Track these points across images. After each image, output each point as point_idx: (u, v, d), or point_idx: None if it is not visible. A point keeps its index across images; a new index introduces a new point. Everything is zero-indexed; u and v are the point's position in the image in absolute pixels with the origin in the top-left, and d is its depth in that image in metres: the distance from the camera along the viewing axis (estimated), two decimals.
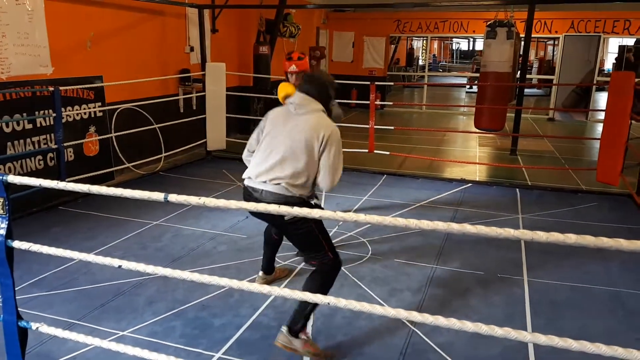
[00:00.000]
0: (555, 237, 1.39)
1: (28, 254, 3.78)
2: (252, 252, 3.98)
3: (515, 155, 7.78)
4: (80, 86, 5.29)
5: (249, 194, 2.73)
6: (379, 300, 3.28)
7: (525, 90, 17.49)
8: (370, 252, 4.00)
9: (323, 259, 2.70)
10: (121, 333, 2.83)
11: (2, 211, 1.57)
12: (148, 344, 2.74)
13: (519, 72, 7.66)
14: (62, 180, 4.74)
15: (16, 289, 3.22)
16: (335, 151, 2.66)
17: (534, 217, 4.95)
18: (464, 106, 13.98)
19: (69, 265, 3.66)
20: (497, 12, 6.85)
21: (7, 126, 4.54)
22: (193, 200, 1.79)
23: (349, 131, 9.14)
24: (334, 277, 2.74)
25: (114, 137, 5.91)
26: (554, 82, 12.33)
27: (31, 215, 4.58)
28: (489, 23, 6.40)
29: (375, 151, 6.50)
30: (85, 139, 5.43)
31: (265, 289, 1.75)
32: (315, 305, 2.66)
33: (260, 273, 3.49)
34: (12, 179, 1.56)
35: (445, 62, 27.22)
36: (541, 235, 1.41)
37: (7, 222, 1.56)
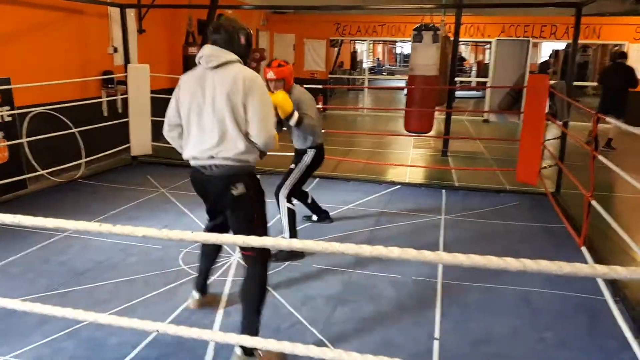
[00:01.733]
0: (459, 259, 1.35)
1: None
2: (163, 263, 3.79)
3: (446, 156, 7.93)
4: None
5: (200, 173, 2.63)
6: (290, 308, 3.19)
7: (463, 93, 18.16)
8: (288, 262, 3.90)
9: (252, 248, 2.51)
10: (1, 359, 2.59)
11: None
12: None
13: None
14: None
15: None
16: (261, 99, 2.49)
17: (456, 217, 5.01)
18: (394, 109, 14.14)
19: None
20: (424, 16, 6.94)
21: None
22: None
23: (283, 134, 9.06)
24: (267, 270, 2.74)
25: (25, 143, 5.54)
26: (488, 84, 12.71)
27: None
28: (415, 27, 6.47)
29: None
30: None
31: (206, 333, 1.58)
32: (259, 312, 2.64)
33: (195, 293, 3.12)
34: None
35: (390, 65, 27.69)
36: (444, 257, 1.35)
37: None
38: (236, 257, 3.89)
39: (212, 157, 2.55)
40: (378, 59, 27.89)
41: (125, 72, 6.63)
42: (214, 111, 2.50)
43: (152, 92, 6.78)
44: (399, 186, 6.12)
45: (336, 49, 17.09)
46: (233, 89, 2.45)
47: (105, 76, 6.91)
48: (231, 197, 2.57)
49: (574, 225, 4.47)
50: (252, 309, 2.63)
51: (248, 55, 2.64)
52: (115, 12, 6.87)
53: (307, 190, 4.63)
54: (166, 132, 2.83)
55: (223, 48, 2.53)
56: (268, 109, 2.56)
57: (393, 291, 3.46)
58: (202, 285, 3.14)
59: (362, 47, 20.55)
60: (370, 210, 5.20)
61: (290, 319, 3.07)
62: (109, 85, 6.97)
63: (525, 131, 5.40)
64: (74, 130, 6.16)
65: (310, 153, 4.09)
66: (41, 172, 5.71)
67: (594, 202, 3.72)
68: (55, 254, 3.88)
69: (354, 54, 20.07)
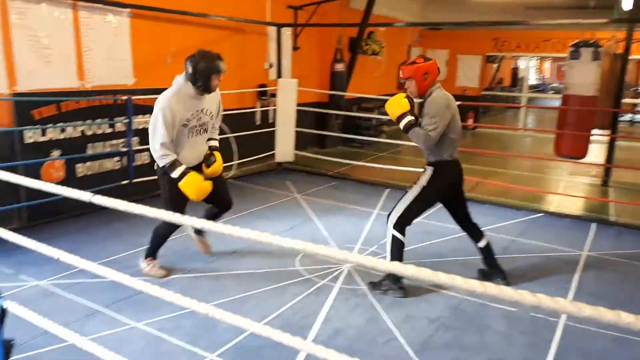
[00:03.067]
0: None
1: (87, 243, 4.23)
2: (282, 261, 4.05)
3: (607, 187, 7.04)
4: (157, 96, 5.78)
5: None
6: (390, 324, 3.17)
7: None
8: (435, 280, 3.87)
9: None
10: (134, 325, 3.04)
11: None
12: (154, 338, 2.92)
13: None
14: (130, 180, 5.22)
15: (64, 274, 3.63)
16: (152, 118, 3.34)
17: (601, 255, 4.45)
18: (547, 131, 12.77)
19: (116, 258, 4.02)
20: (593, 32, 6.30)
21: (89, 129, 5.10)
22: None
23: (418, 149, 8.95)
24: (168, 232, 3.65)
25: None
26: None
27: (103, 210, 5.07)
28: (572, 43, 5.91)
29: None
30: None
31: (295, 341, 1.69)
32: (159, 243, 3.72)
33: (193, 235, 4.06)
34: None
35: (558, 83, 25.38)
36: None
37: None
38: (347, 266, 3.98)
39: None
40: (543, 76, 25.81)
41: (276, 85, 7.21)
42: None
43: (299, 105, 7.26)
44: (540, 214, 5.63)
45: (495, 65, 16.29)
46: None
47: (260, 89, 7.60)
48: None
49: None
50: (154, 238, 3.70)
51: (196, 81, 3.35)
52: (272, 31, 7.53)
53: (481, 233, 3.82)
54: None
55: (180, 76, 3.46)
56: (153, 126, 3.34)
57: (504, 325, 3.22)
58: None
59: (524, 64, 19.24)
60: (501, 237, 4.87)
61: (388, 335, 3.06)
62: (263, 97, 7.65)
63: None
64: (229, 135, 6.89)
65: (428, 171, 3.57)
66: None
67: None
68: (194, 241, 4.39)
69: (514, 70, 18.90)
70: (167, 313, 3.18)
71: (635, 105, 15.85)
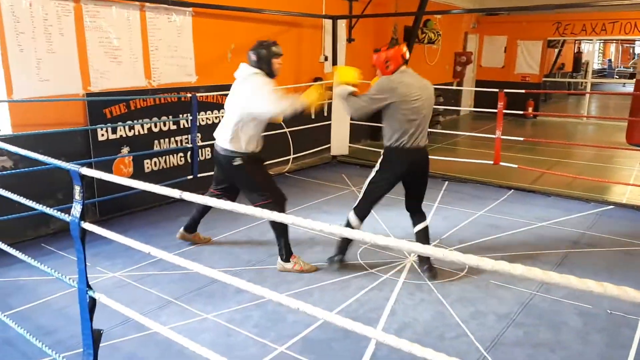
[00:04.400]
0: None
1: (156, 237, 4.42)
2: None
3: None
4: (219, 93, 5.93)
5: (214, 147, 3.82)
6: (458, 319, 3.12)
7: None
8: (466, 270, 3.80)
9: (264, 199, 3.56)
10: (205, 316, 3.15)
11: (78, 197, 1.91)
12: (224, 329, 3.01)
13: None
14: (194, 175, 5.39)
15: (136, 266, 3.81)
16: (257, 89, 3.45)
17: None
18: (616, 118, 12.04)
19: (183, 251, 4.17)
20: None
21: (156, 126, 5.30)
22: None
23: (480, 140, 8.68)
24: (283, 211, 3.58)
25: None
26: None
27: (168, 205, 5.27)
28: None
29: (501, 163, 6.08)
30: None
31: (367, 330, 1.71)
32: (286, 237, 3.70)
33: (181, 229, 4.17)
34: (85, 171, 1.90)
35: (624, 67, 23.93)
36: None
37: (81, 206, 1.90)
38: (410, 259, 3.95)
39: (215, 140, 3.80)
40: (610, 60, 24.39)
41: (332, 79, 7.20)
42: (228, 108, 3.77)
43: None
44: (611, 207, 5.36)
45: (556, 50, 15.55)
46: (242, 94, 3.57)
47: (316, 82, 7.62)
48: (231, 165, 3.64)
49: None
50: (277, 235, 3.70)
51: (261, 66, 3.60)
52: (328, 23, 7.53)
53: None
54: None
55: (248, 65, 3.65)
56: (269, 96, 3.47)
57: (580, 322, 3.10)
58: (189, 226, 4.15)
59: (588, 48, 18.26)
60: (570, 230, 4.68)
61: (457, 330, 3.01)
62: None
63: None
64: (285, 130, 6.97)
65: (381, 155, 3.67)
66: None
67: None
68: (257, 235, 4.49)
69: (577, 55, 17.96)
70: (235, 305, 3.27)
71: None
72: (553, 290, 3.44)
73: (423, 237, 3.76)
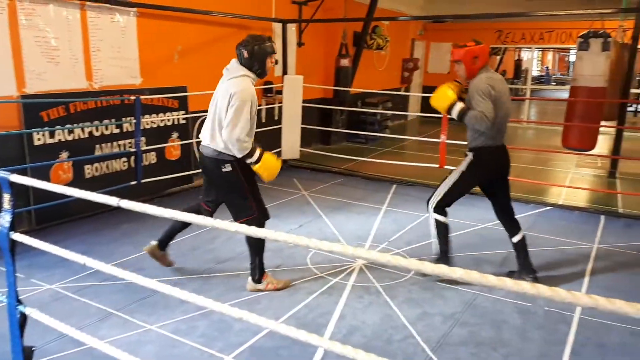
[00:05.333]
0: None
1: (97, 246, 4.24)
2: (293, 260, 4.05)
3: (614, 178, 7.02)
4: (165, 95, 5.78)
5: (200, 152, 3.46)
6: (405, 321, 3.17)
7: None
8: (413, 271, 3.87)
9: (247, 214, 3.37)
10: (148, 327, 3.04)
11: (8, 206, 1.80)
12: (169, 340, 2.92)
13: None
14: (138, 181, 5.21)
15: (74, 277, 3.63)
16: (236, 108, 3.14)
17: (611, 247, 4.44)
18: (553, 123, 12.68)
19: (127, 260, 4.02)
20: (593, 22, 6.25)
21: (97, 130, 5.09)
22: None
23: (426, 144, 8.91)
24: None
25: (195, 143, 6.36)
26: None
27: (110, 212, 5.07)
28: (581, 34, 5.86)
29: (446, 167, 6.25)
30: (167, 144, 5.91)
31: (312, 338, 1.67)
32: (261, 256, 3.51)
33: (153, 242, 3.69)
34: (15, 178, 1.79)
35: (560, 74, 25.27)
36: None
37: (11, 216, 1.78)
38: (358, 263, 3.98)
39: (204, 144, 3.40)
40: (547, 67, 25.68)
41: (282, 82, 7.19)
42: (213, 109, 3.34)
43: (304, 101, 7.24)
44: (549, 208, 5.62)
45: (498, 57, 16.20)
46: (226, 97, 3.21)
47: (266, 86, 7.58)
48: (220, 172, 3.32)
49: None
50: (253, 254, 3.50)
51: (253, 65, 3.29)
52: (278, 27, 7.50)
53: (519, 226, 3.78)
54: None
55: (239, 64, 3.31)
56: (237, 117, 3.16)
57: (520, 320, 3.22)
58: (163, 240, 3.70)
59: (527, 55, 19.15)
60: None
61: (404, 332, 3.05)
62: (268, 94, 7.63)
63: None
64: None
65: (468, 157, 3.58)
66: None
67: None
68: (204, 243, 4.40)
69: (518, 62, 18.80)
70: (180, 315, 3.18)
71: (639, 95, 15.75)
72: (495, 290, 3.55)
73: (520, 250, 3.73)
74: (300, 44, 8.19)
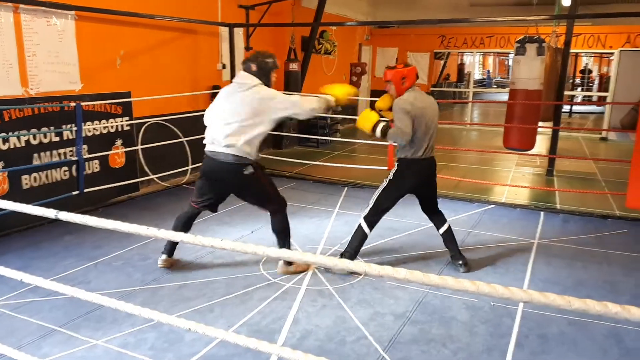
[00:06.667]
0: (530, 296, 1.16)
1: (37, 260, 4.04)
2: (245, 267, 4.01)
3: (552, 176, 7.40)
4: (108, 101, 5.59)
5: (210, 159, 3.60)
6: (358, 322, 3.20)
7: (582, 108, 16.78)
8: (365, 272, 3.91)
9: (273, 207, 3.73)
10: (94, 342, 2.93)
11: None
12: (116, 355, 2.82)
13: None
14: (81, 190, 5.02)
15: (13, 294, 3.44)
16: (279, 97, 3.55)
17: (551, 242, 4.67)
18: (495, 125, 13.31)
19: (70, 273, 3.85)
20: (528, 28, 6.58)
21: (35, 138, 4.85)
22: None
23: (375, 147, 9.07)
24: (286, 215, 3.79)
25: (140, 150, 6.18)
26: (608, 99, 11.63)
27: (51, 224, 4.85)
28: (518, 39, 6.16)
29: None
30: (111, 151, 5.71)
31: (263, 345, 1.67)
32: (289, 240, 3.84)
33: (164, 256, 3.89)
34: None
35: (500, 77, 26.40)
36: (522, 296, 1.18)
37: None
38: (312, 266, 3.99)
39: (225, 147, 3.54)
40: (488, 71, 26.76)
41: None
42: (235, 116, 3.53)
43: None
44: (492, 206, 5.85)
45: (442, 62, 16.75)
46: (253, 103, 3.51)
47: (214, 90, 7.48)
48: (242, 175, 3.56)
49: None
50: (282, 239, 3.81)
51: (260, 77, 3.61)
52: (225, 31, 7.43)
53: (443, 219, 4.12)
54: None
55: (251, 75, 3.60)
56: (288, 98, 3.69)
57: (467, 315, 3.32)
58: (169, 249, 3.90)
59: (470, 60, 19.88)
60: (457, 229, 4.96)
61: (357, 333, 3.09)
62: None
63: (637, 152, 4.87)
64: (183, 139, 6.76)
65: (395, 167, 3.91)
66: (152, 176, 6.33)
67: None
68: (152, 252, 4.27)
69: (461, 66, 19.49)
70: (128, 328, 3.08)
71: (573, 97, 16.70)
72: (444, 288, 3.65)
73: (448, 238, 4.10)
74: (248, 48, 8.15)
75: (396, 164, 3.91)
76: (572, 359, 2.85)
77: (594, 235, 4.88)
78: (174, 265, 3.98)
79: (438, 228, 4.13)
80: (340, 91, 3.79)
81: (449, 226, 4.12)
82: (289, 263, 3.84)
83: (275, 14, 8.43)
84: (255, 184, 3.64)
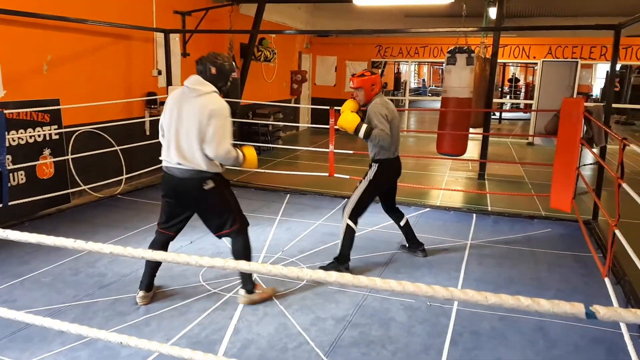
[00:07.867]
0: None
1: None
2: (184, 278, 3.93)
3: (483, 180, 7.77)
4: (34, 109, 5.30)
5: (167, 174, 3.31)
6: (299, 328, 3.22)
7: (511, 114, 17.76)
8: (305, 279, 3.93)
9: (231, 225, 3.37)
10: None
11: None
12: None
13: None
14: (4, 204, 4.73)
15: None
16: (222, 124, 3.11)
17: (482, 242, 4.90)
18: (430, 132, 13.90)
19: None
20: (458, 38, 6.91)
21: None
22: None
23: (317, 154, 9.16)
24: (248, 237, 3.48)
25: (70, 160, 5.90)
26: (533, 107, 12.38)
27: None
28: (449, 50, 6.45)
29: (335, 175, 6.48)
30: (38, 161, 5.42)
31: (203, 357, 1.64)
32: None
33: (141, 292, 3.49)
34: None
35: (435, 86, 27.45)
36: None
37: None
38: (254, 275, 3.96)
39: (178, 162, 3.21)
40: (424, 80, 27.73)
41: (167, 93, 6.95)
42: (186, 127, 3.16)
43: None
44: (427, 209, 6.05)
45: (379, 70, 17.16)
46: (202, 115, 3.10)
47: (149, 97, 7.28)
48: (202, 191, 3.24)
49: (604, 255, 4.27)
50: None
51: (225, 80, 3.30)
52: (160, 37, 7.26)
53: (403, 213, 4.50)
54: (160, 138, 3.42)
55: (205, 80, 3.21)
56: (222, 132, 3.13)
57: (405, 316, 3.42)
58: (147, 284, 3.52)
59: (406, 69, 20.52)
60: (396, 233, 5.13)
61: (298, 339, 3.10)
62: (152, 106, 7.33)
63: (558, 156, 5.23)
64: (116, 148, 6.52)
65: (374, 167, 4.11)
66: (84, 187, 6.06)
67: (617, 232, 3.54)
68: (85, 266, 4.09)
69: (397, 75, 20.08)
70: (58, 346, 2.92)
71: (502, 104, 17.63)
72: (382, 290, 3.74)
73: (408, 230, 4.49)
74: (185, 54, 8.00)
75: (375, 165, 4.11)
76: (502, 353, 3.00)
77: (521, 234, 5.17)
78: (154, 298, 3.59)
79: (398, 222, 4.47)
80: (253, 157, 3.45)
81: (407, 219, 4.50)
82: (250, 292, 3.49)
83: (212, 20, 8.34)
84: (217, 200, 3.32)
